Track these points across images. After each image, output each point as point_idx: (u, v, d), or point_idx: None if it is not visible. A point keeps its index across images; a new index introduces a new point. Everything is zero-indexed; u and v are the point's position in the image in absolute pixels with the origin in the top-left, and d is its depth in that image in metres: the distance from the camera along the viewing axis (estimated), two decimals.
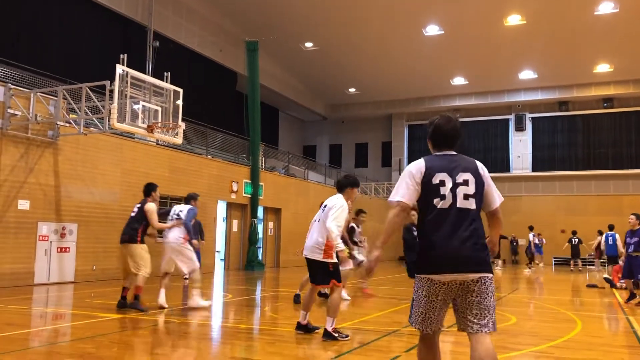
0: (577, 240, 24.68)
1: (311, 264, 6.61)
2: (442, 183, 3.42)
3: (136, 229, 8.89)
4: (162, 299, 9.08)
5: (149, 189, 9.32)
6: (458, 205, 3.39)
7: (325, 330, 6.43)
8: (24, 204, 12.48)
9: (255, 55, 20.84)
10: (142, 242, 8.97)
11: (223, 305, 10.52)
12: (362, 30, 25.53)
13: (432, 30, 25.44)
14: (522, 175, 33.44)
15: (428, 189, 3.42)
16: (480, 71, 30.14)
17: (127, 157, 15.34)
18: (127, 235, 8.91)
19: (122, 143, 15.23)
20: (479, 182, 3.53)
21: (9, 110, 12.07)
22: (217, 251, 19.93)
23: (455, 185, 3.43)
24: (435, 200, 3.39)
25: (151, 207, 8.92)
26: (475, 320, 3.38)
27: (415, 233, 3.78)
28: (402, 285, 14.71)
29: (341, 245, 6.39)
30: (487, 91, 33.13)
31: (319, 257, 6.47)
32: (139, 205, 9.12)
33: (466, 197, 3.43)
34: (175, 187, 17.03)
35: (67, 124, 13.08)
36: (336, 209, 6.48)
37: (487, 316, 3.39)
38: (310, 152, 37.54)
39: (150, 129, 11.60)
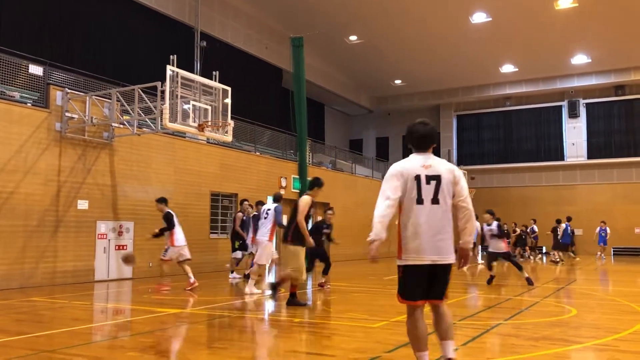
0: (571, 231, 23.66)
1: (444, 271, 4.30)
2: None
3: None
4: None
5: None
6: None
7: None
8: (83, 204, 12.95)
9: (301, 51, 20.84)
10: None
11: (275, 299, 10.62)
12: (406, 21, 25.21)
13: (479, 17, 24.84)
14: (577, 163, 32.35)
15: None
16: (531, 57, 29.26)
17: (179, 156, 15.69)
18: None
19: (174, 142, 15.59)
20: None
21: (67, 114, 12.54)
22: None
23: None
24: None
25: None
26: None
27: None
28: (453, 278, 14.49)
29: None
30: (538, 78, 32.14)
31: (453, 259, 4.32)
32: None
33: None
34: (225, 184, 17.32)
35: (121, 125, 13.47)
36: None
37: None
38: (357, 146, 37.41)
39: (200, 128, 11.82)
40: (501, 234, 13.29)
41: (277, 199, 11.26)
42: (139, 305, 9.33)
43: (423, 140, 4.35)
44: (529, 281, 12.57)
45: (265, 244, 10.59)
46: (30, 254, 11.82)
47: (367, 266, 18.97)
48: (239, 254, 13.78)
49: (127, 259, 11.51)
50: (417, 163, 4.27)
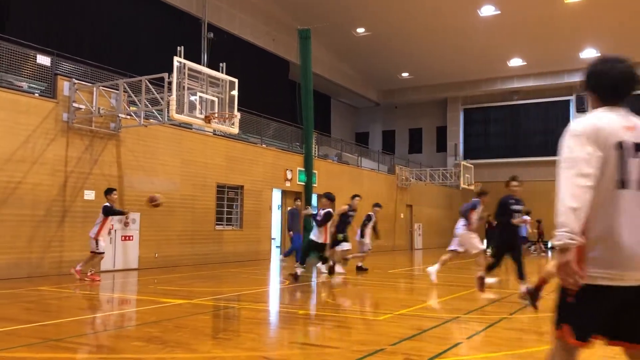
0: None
1: None
2: None
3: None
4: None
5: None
6: None
7: None
8: (89, 194, 13.01)
9: (308, 43, 20.80)
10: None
11: (280, 291, 10.67)
12: (414, 13, 25.09)
13: (488, 10, 24.70)
14: None
15: None
16: (539, 51, 29.09)
17: (186, 148, 15.72)
18: None
19: (180, 134, 15.61)
20: None
21: (74, 104, 12.58)
22: (273, 238, 20.20)
23: None
24: None
25: None
26: None
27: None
28: (459, 272, 14.50)
29: None
30: (546, 72, 31.98)
31: None
32: None
33: None
34: (231, 176, 17.35)
35: (128, 116, 13.49)
36: None
37: None
38: (363, 139, 37.37)
39: (207, 120, 11.82)
40: (323, 220, 11.18)
41: (479, 193, 11.28)
42: (144, 295, 9.39)
43: (624, 84, 2.71)
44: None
45: (464, 235, 10.83)
46: (37, 243, 11.90)
47: (372, 259, 18.97)
48: (346, 245, 13.43)
49: (153, 200, 11.28)
50: (615, 122, 2.63)
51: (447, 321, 7.01)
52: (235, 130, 12.98)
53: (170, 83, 11.24)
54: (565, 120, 33.12)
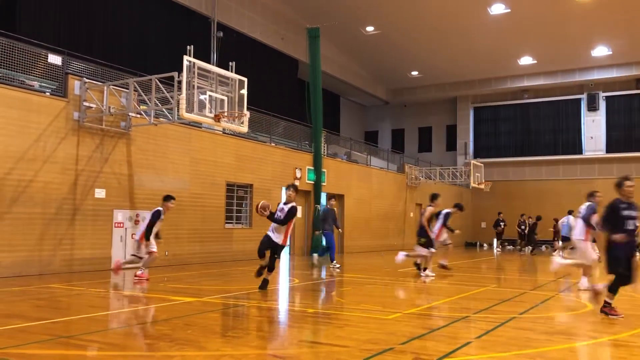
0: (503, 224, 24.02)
1: None
2: None
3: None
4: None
5: None
6: None
7: None
8: (100, 193, 13.09)
9: (317, 42, 20.82)
10: None
11: (290, 289, 10.68)
12: (424, 11, 25.00)
13: (498, 8, 24.57)
14: (595, 157, 31.95)
15: None
16: (550, 50, 28.90)
17: (195, 146, 15.77)
18: None
19: (190, 132, 15.66)
20: None
21: (85, 103, 12.65)
22: None
23: None
24: None
25: None
26: None
27: None
28: (469, 271, 14.45)
29: None
30: (557, 70, 31.75)
31: None
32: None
33: None
34: (241, 175, 17.39)
35: (139, 115, 13.56)
36: None
37: None
38: (372, 137, 37.29)
39: (217, 118, 11.83)
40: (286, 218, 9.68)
41: (590, 194, 10.30)
42: (154, 293, 9.42)
43: None
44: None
45: (580, 245, 9.90)
46: (48, 241, 11.99)
47: (382, 258, 18.93)
48: (423, 250, 12.63)
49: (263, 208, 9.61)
50: None
51: (456, 320, 6.99)
52: (244, 129, 12.98)
53: (180, 82, 11.27)
54: (577, 119, 32.88)
